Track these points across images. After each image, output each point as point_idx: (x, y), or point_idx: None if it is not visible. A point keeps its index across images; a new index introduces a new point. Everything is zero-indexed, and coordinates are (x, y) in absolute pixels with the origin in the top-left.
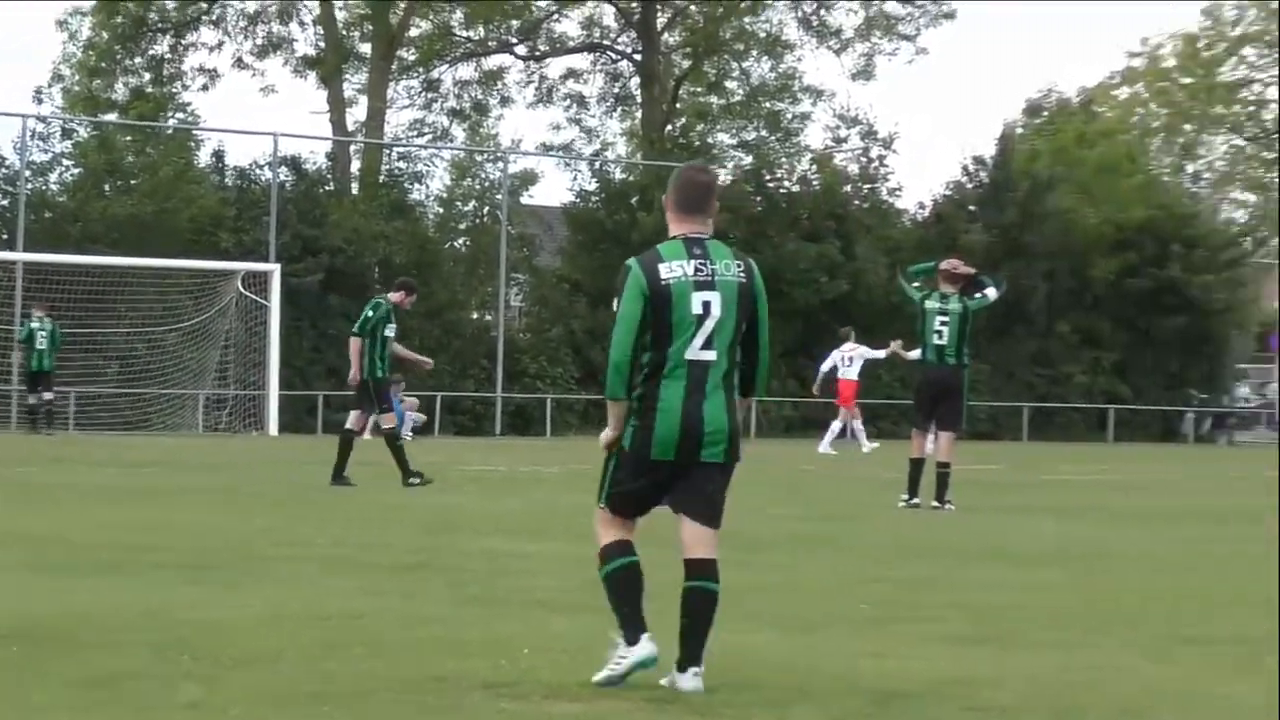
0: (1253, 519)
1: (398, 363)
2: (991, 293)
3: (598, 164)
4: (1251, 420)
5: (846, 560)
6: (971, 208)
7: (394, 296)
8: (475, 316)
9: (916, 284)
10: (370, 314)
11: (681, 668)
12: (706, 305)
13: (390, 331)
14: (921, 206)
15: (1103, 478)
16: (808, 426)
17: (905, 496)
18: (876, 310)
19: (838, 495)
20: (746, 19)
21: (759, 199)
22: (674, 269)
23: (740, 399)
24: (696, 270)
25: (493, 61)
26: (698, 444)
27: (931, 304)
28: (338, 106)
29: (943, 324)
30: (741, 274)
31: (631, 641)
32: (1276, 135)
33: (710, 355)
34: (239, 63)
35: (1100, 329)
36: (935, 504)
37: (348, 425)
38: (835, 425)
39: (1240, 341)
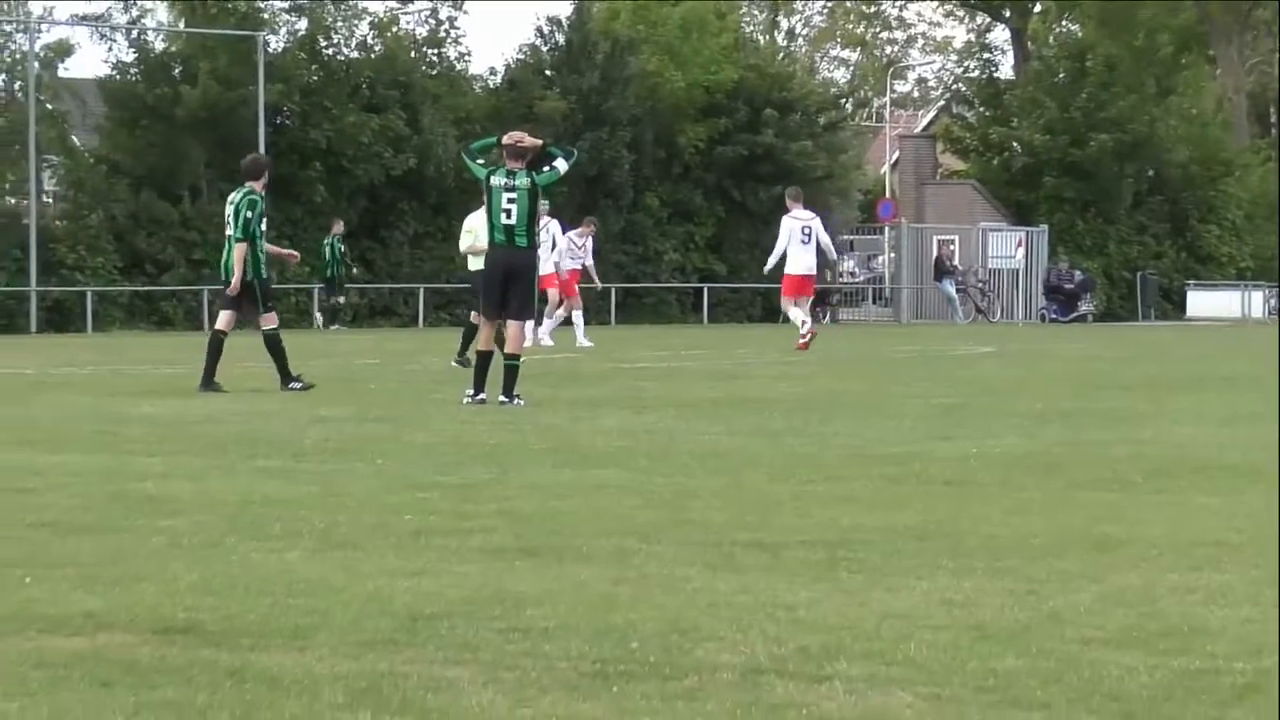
0: (836, 405)
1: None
2: (561, 164)
3: (135, 33)
4: (857, 296)
5: (397, 466)
6: (548, 72)
7: (259, 185)
8: (11, 202)
9: (480, 161)
10: (250, 214)
11: None
12: None
13: (264, 225)
14: (493, 72)
15: (688, 364)
16: (375, 316)
17: (470, 392)
18: (447, 188)
19: (396, 393)
20: None
21: (315, 68)
22: None
23: None
24: None
25: None
26: None
27: (497, 180)
28: None
29: (510, 202)
30: None
31: None
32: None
33: None
34: None
35: (692, 201)
36: (503, 399)
37: (218, 326)
38: (560, 314)
39: (843, 211)
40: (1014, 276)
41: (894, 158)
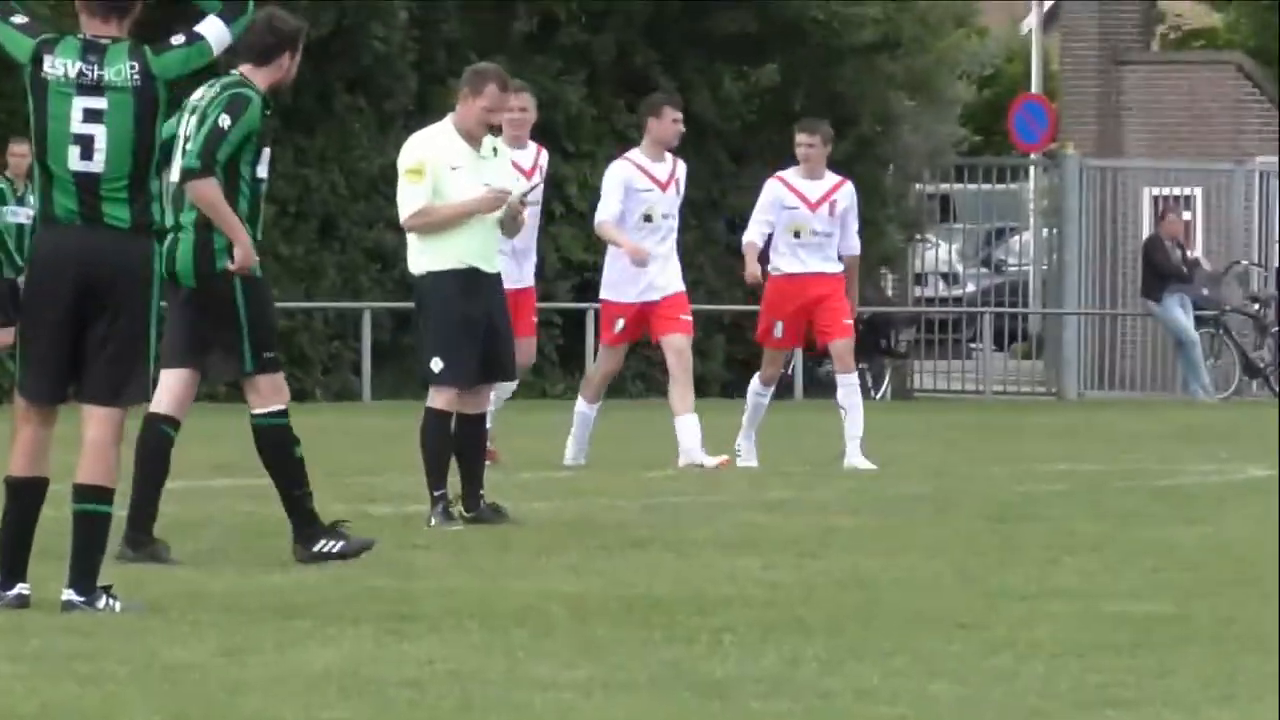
0: None
1: None
2: (215, 31)
3: None
4: (947, 328)
5: None
6: None
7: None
8: None
9: (19, 20)
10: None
11: None
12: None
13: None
14: None
15: None
16: None
17: None
18: None
19: None
20: None
21: None
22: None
23: None
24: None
25: None
26: None
27: (56, 67)
28: None
29: (91, 117)
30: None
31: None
32: None
33: None
34: None
35: None
36: (73, 596)
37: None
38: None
39: (932, 127)
40: None
41: (1047, 6)
